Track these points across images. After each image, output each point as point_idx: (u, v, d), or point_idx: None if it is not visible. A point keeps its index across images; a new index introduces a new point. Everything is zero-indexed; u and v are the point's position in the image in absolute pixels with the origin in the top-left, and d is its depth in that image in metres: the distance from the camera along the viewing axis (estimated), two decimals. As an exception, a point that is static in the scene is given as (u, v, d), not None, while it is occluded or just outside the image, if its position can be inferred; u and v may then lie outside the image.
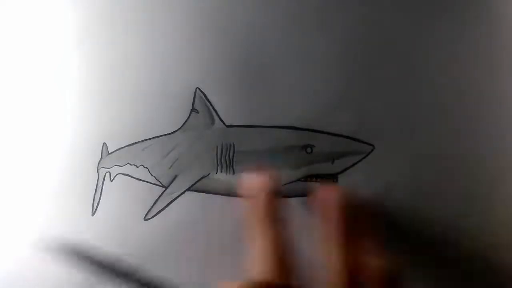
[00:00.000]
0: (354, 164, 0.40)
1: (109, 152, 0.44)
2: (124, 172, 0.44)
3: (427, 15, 0.42)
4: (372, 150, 0.40)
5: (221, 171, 0.42)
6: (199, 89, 0.43)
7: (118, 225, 0.43)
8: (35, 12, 0.47)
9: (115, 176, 0.44)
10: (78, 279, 0.43)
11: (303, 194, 0.41)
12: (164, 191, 0.43)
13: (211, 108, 0.42)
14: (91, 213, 0.44)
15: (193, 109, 0.43)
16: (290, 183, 0.41)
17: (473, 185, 0.40)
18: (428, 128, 0.41)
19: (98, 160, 0.44)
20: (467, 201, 0.40)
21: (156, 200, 0.43)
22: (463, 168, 0.40)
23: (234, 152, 0.42)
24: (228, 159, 0.42)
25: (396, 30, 0.42)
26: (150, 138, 0.43)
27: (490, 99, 0.41)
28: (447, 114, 0.41)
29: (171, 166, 0.43)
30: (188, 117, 0.43)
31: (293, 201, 0.41)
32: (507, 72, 0.41)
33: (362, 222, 0.37)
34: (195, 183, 0.42)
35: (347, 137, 0.41)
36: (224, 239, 0.41)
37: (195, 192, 0.42)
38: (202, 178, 0.42)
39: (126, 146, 0.44)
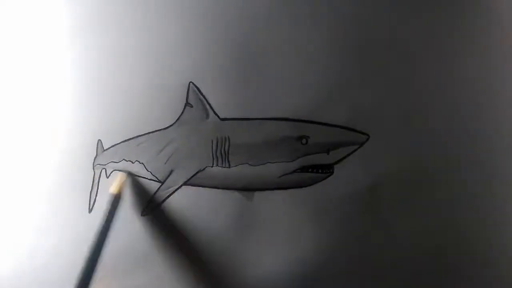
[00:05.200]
0: (349, 154, 0.40)
1: (104, 148, 0.44)
2: (120, 168, 0.44)
3: (423, 7, 0.41)
4: (367, 140, 0.40)
5: (217, 165, 0.42)
6: (193, 83, 0.43)
7: (115, 221, 0.43)
8: (29, 10, 0.47)
9: (111, 173, 0.44)
10: (76, 277, 0.43)
11: (299, 185, 0.41)
12: (161, 186, 0.43)
13: (205, 102, 0.42)
14: (88, 210, 0.44)
15: (187, 104, 0.43)
16: (286, 174, 0.41)
17: (471, 173, 0.40)
18: (424, 117, 0.41)
19: (94, 157, 0.44)
20: (465, 190, 0.40)
21: (153, 196, 0.43)
22: (460, 157, 0.40)
23: (229, 145, 0.42)
24: (224, 152, 0.42)
25: (390, 21, 0.41)
26: (144, 134, 0.43)
27: (487, 88, 0.41)
28: (443, 102, 0.41)
29: (166, 161, 0.43)
30: (182, 112, 0.43)
31: (290, 192, 0.41)
32: (502, 62, 0.41)
33: None
34: (191, 177, 0.42)
35: (342, 127, 0.41)
36: (221, 232, 0.41)
37: (192, 187, 0.42)
38: (198, 172, 0.42)
39: (121, 142, 0.44)
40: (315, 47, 0.42)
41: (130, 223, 0.43)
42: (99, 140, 0.44)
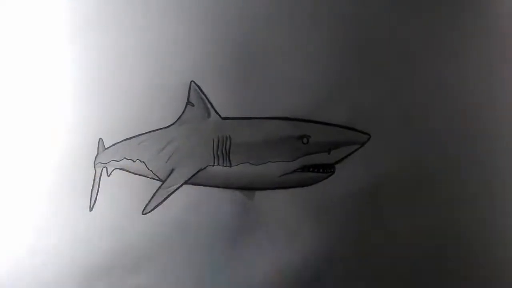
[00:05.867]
0: (350, 153, 0.40)
1: (106, 147, 0.44)
2: (121, 167, 0.44)
3: (423, 7, 0.42)
4: (368, 139, 0.40)
5: (218, 164, 0.42)
6: (194, 82, 0.43)
7: (116, 220, 0.43)
8: (29, 10, 0.47)
9: (112, 171, 0.44)
10: (76, 276, 0.43)
11: (300, 185, 0.41)
12: (162, 185, 0.43)
13: (206, 101, 0.42)
14: (89, 209, 0.44)
15: (189, 103, 0.43)
16: (287, 174, 0.41)
17: (471, 173, 0.40)
18: (424, 117, 0.41)
19: (94, 156, 0.44)
20: (465, 190, 0.40)
21: (154, 194, 0.42)
22: (460, 157, 0.40)
23: (230, 144, 0.41)
24: (225, 151, 0.42)
25: (390, 21, 0.42)
26: (146, 133, 0.43)
27: (487, 88, 0.41)
28: (443, 102, 0.41)
29: (167, 160, 0.43)
30: (184, 111, 0.43)
31: (291, 192, 0.41)
32: (502, 62, 0.41)
33: None
34: (192, 176, 0.42)
35: (344, 126, 0.41)
36: (222, 231, 0.41)
37: (193, 185, 0.42)
38: (199, 171, 0.42)
39: (122, 141, 0.44)
40: (315, 47, 0.42)
41: (130, 222, 0.43)
42: (100, 138, 0.44)
